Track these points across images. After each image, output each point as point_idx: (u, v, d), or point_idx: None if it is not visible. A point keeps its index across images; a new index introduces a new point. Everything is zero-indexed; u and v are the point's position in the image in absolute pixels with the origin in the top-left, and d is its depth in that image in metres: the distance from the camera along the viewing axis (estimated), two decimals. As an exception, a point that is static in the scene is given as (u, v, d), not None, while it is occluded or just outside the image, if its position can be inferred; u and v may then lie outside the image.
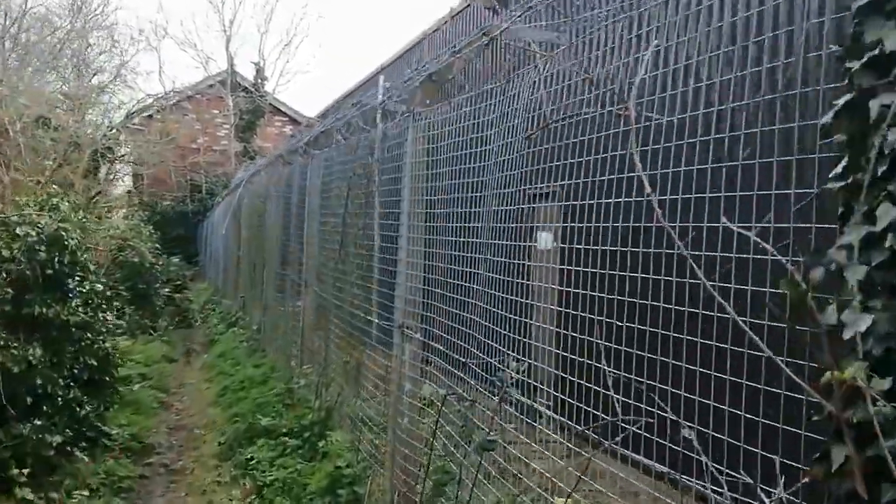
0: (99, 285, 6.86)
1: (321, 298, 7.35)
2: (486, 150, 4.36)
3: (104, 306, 7.06)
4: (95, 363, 6.58)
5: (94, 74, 26.27)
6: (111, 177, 24.41)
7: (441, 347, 4.55)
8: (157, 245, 16.33)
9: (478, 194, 4.42)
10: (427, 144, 4.80)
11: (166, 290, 15.65)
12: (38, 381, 5.50)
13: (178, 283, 17.37)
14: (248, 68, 32.64)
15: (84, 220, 13.51)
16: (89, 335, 6.52)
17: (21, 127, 17.62)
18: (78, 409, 6.10)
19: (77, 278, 6.28)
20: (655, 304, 3.02)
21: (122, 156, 24.68)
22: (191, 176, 28.59)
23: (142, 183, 28.88)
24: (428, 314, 4.78)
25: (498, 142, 4.17)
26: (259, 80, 32.25)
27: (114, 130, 24.07)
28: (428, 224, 4.88)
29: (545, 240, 5.34)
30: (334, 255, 6.66)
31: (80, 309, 6.17)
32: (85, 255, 6.62)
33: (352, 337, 6.01)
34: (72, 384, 6.08)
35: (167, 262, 16.54)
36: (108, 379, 6.98)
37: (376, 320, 5.40)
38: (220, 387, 9.31)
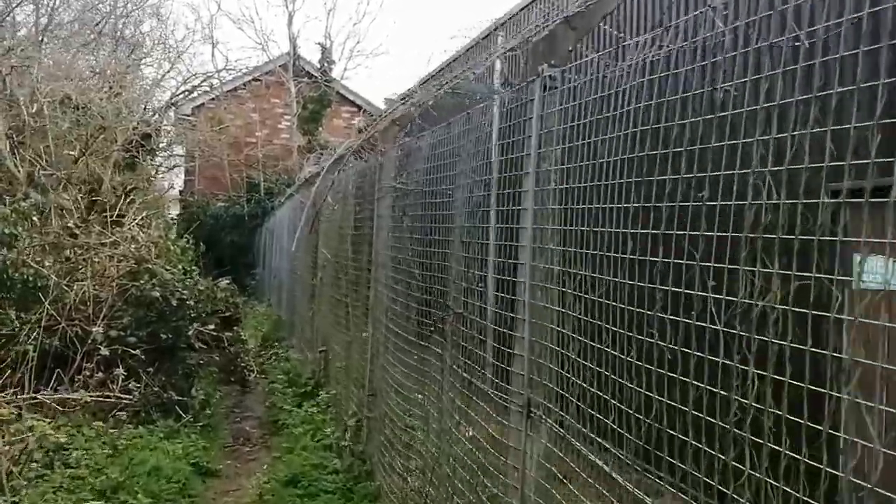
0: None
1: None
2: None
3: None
4: None
5: (133, 49, 21.80)
6: (154, 172, 19.85)
7: None
8: (198, 263, 11.42)
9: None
10: None
11: (210, 327, 10.71)
12: None
13: (228, 314, 12.38)
14: (313, 51, 27.92)
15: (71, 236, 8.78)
16: None
17: (37, 109, 13.18)
18: None
19: None
20: None
21: (164, 147, 20.03)
22: (247, 173, 23.83)
23: (192, 179, 24.24)
24: None
25: None
26: (325, 65, 27.45)
27: (155, 115, 19.50)
28: None
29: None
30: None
31: None
32: None
33: None
34: None
35: (211, 288, 11.63)
36: None
37: None
38: None
